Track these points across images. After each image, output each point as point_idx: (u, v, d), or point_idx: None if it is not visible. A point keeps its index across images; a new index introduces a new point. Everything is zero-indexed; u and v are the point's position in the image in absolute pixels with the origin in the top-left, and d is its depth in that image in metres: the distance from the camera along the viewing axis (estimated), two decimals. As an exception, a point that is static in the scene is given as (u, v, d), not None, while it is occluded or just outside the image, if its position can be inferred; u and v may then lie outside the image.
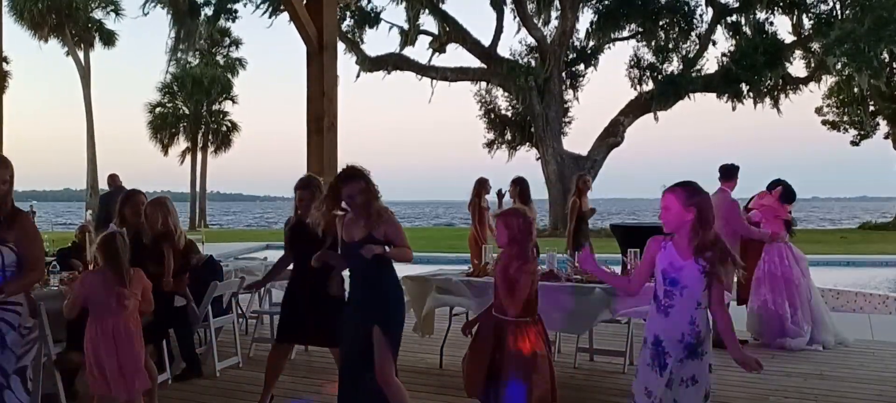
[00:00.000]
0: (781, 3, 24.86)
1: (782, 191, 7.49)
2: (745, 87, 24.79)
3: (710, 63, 26.41)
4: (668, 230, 3.40)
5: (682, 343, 3.30)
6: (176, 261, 5.55)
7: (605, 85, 32.71)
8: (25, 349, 3.61)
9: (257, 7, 25.38)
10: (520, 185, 8.93)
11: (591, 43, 27.28)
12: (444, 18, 26.24)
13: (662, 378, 3.30)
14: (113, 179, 11.54)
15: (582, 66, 27.94)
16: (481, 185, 9.88)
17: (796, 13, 24.93)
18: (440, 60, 27.30)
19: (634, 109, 26.82)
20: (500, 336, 3.72)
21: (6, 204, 3.49)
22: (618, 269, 6.38)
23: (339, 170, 4.25)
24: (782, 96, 25.76)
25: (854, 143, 35.66)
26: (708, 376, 3.36)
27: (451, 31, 26.44)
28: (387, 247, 4.12)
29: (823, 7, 24.56)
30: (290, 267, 5.13)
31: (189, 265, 5.84)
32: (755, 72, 24.05)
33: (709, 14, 26.06)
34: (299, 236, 4.86)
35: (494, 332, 3.76)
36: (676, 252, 3.33)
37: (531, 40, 27.08)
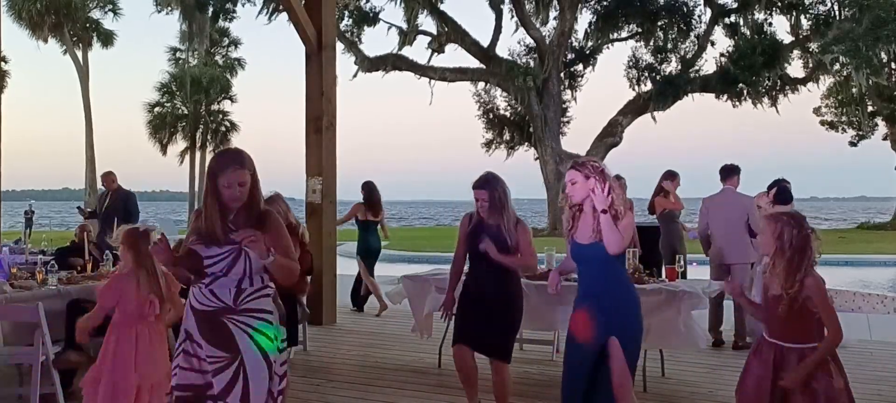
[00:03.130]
0: (780, 4, 24.87)
1: (776, 192, 7.42)
2: (743, 88, 24.81)
3: (708, 63, 26.43)
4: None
5: None
6: (302, 258, 5.26)
7: (604, 85, 32.73)
8: (282, 361, 3.33)
9: (258, 8, 25.34)
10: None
11: (590, 43, 27.28)
12: (442, 18, 26.23)
13: None
14: (104, 179, 11.14)
15: (580, 67, 27.96)
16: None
17: (794, 13, 24.95)
18: (439, 60, 27.31)
19: (633, 110, 26.84)
20: (781, 368, 3.19)
21: (253, 205, 3.20)
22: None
23: (585, 163, 3.88)
24: (781, 96, 25.79)
25: (852, 144, 35.74)
26: None
27: (450, 31, 26.43)
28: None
29: (821, 7, 24.60)
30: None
31: (313, 265, 5.54)
32: (753, 73, 24.06)
33: (707, 14, 26.09)
34: (479, 238, 4.49)
35: (774, 364, 3.21)
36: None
37: (530, 40, 27.09)
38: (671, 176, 8.40)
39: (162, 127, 37.90)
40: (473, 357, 4.58)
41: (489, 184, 4.43)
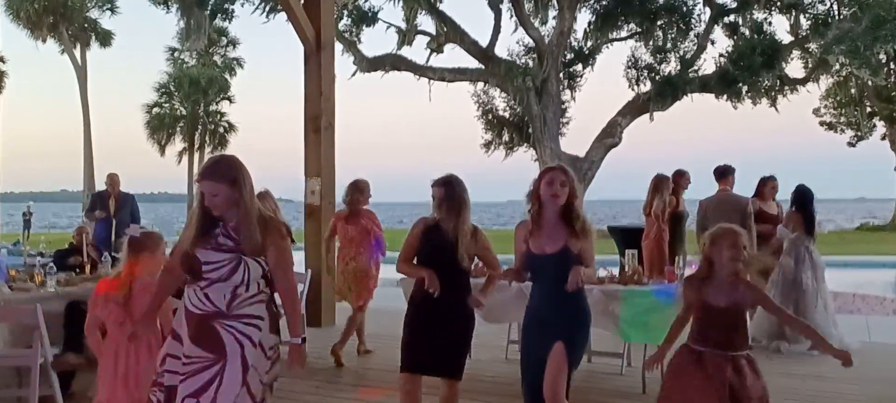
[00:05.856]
0: (779, 3, 24.87)
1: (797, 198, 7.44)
2: (743, 88, 24.82)
3: (707, 63, 26.34)
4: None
5: None
6: None
7: (603, 86, 32.67)
8: (267, 369, 3.28)
9: (255, 7, 25.30)
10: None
11: (589, 43, 27.25)
12: (441, 18, 26.22)
13: None
14: (113, 180, 11.06)
15: (580, 67, 27.91)
16: (663, 184, 8.32)
17: (794, 13, 24.95)
18: (438, 60, 27.28)
19: (632, 110, 26.81)
20: (733, 375, 3.37)
21: (246, 214, 3.18)
22: (616, 271, 6.38)
23: (547, 165, 3.89)
24: (780, 97, 25.80)
25: (851, 145, 35.75)
26: None
27: (449, 31, 26.40)
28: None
29: (821, 7, 24.59)
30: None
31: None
32: (753, 73, 24.04)
33: (707, 14, 26.08)
34: (432, 242, 4.22)
35: (721, 371, 3.38)
36: None
37: (529, 40, 27.06)
38: (679, 175, 8.48)
39: (160, 128, 37.84)
40: (421, 386, 4.26)
41: (451, 183, 4.20)
